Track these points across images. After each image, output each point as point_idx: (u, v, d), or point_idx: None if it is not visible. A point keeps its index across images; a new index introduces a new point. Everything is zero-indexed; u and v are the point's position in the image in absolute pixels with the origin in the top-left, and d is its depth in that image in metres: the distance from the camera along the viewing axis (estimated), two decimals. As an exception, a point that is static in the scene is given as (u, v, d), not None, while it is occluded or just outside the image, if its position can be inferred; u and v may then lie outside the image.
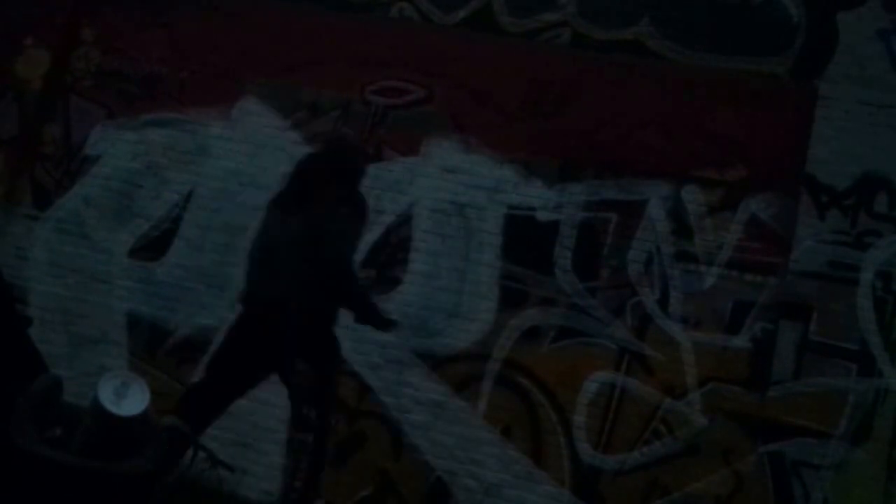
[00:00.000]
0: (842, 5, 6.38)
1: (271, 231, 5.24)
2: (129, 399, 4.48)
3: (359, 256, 6.80)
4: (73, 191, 7.51)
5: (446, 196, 6.79)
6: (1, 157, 7.67)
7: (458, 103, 6.92)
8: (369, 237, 6.84)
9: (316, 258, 4.97)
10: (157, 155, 7.40)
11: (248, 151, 7.23)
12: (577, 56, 6.84)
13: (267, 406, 6.71)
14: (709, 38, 6.60)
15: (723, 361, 6.13)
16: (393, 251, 6.79)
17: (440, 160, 6.87)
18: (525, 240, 6.57)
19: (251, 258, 5.45)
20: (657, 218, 6.44)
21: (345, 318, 6.73)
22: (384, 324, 5.45)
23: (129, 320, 7.14)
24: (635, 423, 6.15)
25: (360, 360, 6.65)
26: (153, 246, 7.24)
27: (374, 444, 6.52)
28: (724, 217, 6.34)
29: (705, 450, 6.02)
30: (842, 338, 5.93)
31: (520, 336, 6.38)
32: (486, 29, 7.03)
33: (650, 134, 6.56)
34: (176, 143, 7.39)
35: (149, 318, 7.10)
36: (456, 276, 6.60)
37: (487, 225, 6.67)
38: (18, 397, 4.49)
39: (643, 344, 6.25)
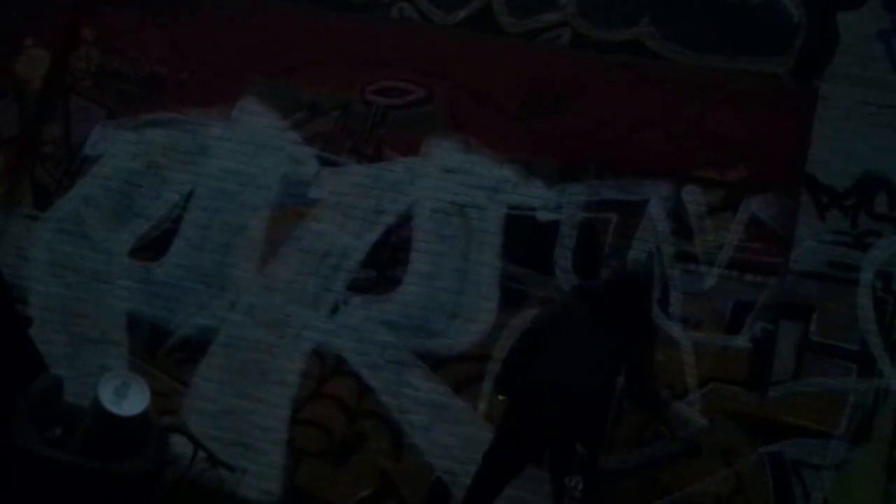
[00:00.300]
0: (842, 5, 6.38)
1: (580, 331, 5.55)
2: (129, 399, 4.49)
3: (359, 257, 6.83)
4: (74, 191, 7.50)
5: (446, 196, 6.78)
6: (1, 157, 7.66)
7: (459, 103, 6.92)
8: (370, 237, 6.85)
9: (628, 362, 5.62)
10: (158, 155, 7.40)
11: (248, 151, 7.23)
12: (578, 56, 6.84)
13: (267, 406, 6.72)
14: (709, 39, 6.60)
15: (723, 361, 6.13)
16: (393, 251, 6.79)
17: (440, 160, 6.87)
18: (525, 240, 6.57)
19: (542, 347, 5.58)
20: (657, 218, 6.43)
21: (345, 318, 6.76)
22: (658, 407, 5.98)
23: (129, 320, 7.14)
24: (636, 423, 6.15)
25: (360, 360, 6.65)
26: (153, 246, 7.23)
27: (375, 444, 6.51)
28: (725, 217, 6.33)
29: (706, 450, 6.02)
30: (842, 338, 5.92)
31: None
32: (487, 29, 7.03)
33: (650, 134, 6.56)
34: (176, 143, 7.39)
35: (149, 318, 7.10)
36: (456, 276, 6.60)
37: (488, 225, 6.67)
38: (19, 397, 4.49)
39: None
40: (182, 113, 7.42)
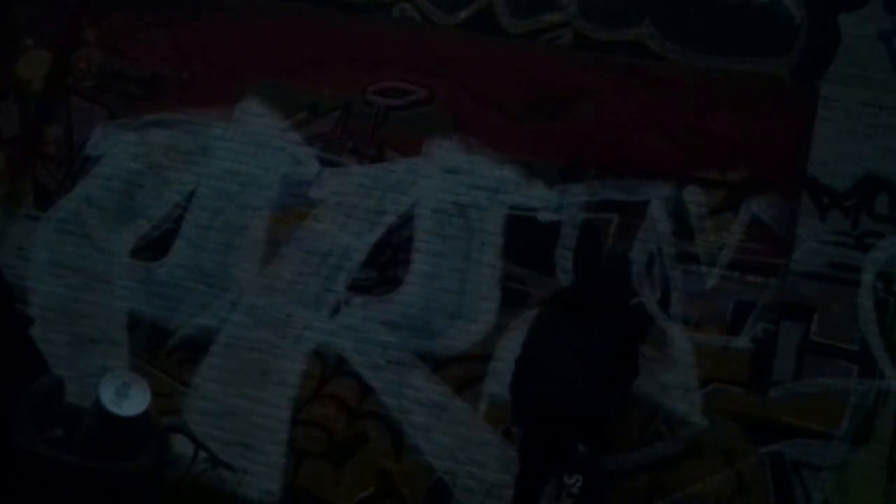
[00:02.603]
0: (843, 6, 6.39)
1: (562, 335, 5.60)
2: (130, 399, 4.50)
3: (360, 257, 6.83)
4: (75, 191, 7.51)
5: (448, 197, 6.79)
6: (2, 158, 7.67)
7: (460, 104, 6.92)
8: (371, 237, 6.85)
9: (611, 363, 5.53)
10: (159, 155, 7.40)
11: (249, 152, 7.23)
12: (579, 57, 6.84)
13: (268, 406, 6.73)
14: (710, 40, 6.60)
15: (724, 362, 6.13)
16: (394, 252, 6.79)
17: (442, 161, 6.87)
18: (526, 240, 6.57)
19: (535, 365, 5.62)
20: (658, 219, 6.44)
21: (346, 319, 6.77)
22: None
23: (130, 320, 7.14)
24: (636, 423, 6.15)
25: (361, 360, 6.65)
26: (154, 246, 7.24)
27: (375, 444, 6.52)
28: (726, 218, 6.34)
29: (706, 450, 6.02)
30: (843, 339, 5.93)
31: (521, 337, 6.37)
32: (488, 30, 7.03)
33: (651, 135, 6.56)
34: (177, 144, 7.39)
35: (150, 318, 7.10)
36: (457, 276, 6.60)
37: (489, 225, 6.67)
38: (20, 397, 4.50)
39: (644, 345, 6.24)
40: (183, 113, 7.42)
